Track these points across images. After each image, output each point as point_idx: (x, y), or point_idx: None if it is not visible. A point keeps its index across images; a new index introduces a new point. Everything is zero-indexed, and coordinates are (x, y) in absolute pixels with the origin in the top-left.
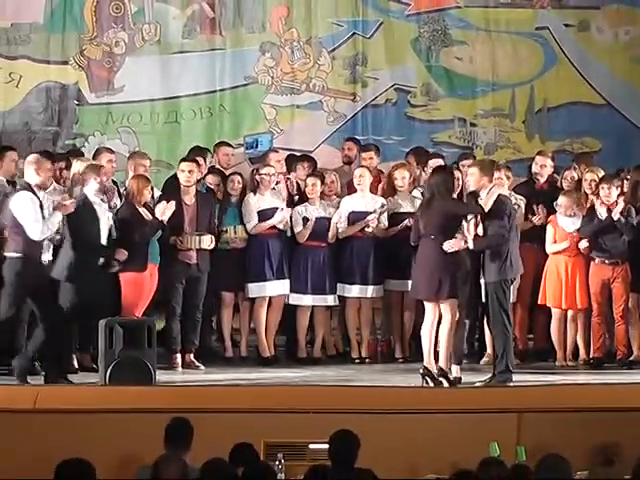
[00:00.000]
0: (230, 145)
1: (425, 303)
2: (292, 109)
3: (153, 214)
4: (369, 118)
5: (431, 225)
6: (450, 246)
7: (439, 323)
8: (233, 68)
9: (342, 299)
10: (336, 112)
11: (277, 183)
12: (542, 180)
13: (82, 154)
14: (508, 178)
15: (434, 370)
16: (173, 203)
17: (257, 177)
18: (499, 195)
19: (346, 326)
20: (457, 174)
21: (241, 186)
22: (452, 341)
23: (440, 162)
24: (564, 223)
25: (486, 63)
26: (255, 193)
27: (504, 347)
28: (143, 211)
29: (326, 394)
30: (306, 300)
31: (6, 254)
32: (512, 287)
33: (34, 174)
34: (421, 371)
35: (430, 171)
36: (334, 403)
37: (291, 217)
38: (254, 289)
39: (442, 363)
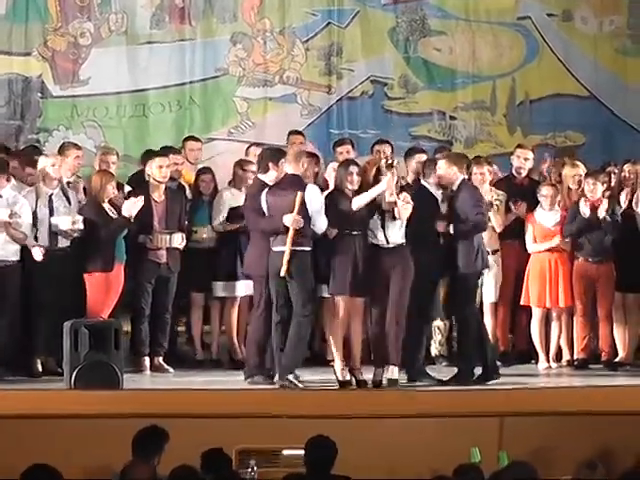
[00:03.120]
0: (198, 139)
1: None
2: (265, 102)
3: (119, 211)
4: (344, 111)
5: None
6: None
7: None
8: (203, 59)
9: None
10: (310, 105)
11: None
12: (523, 174)
13: (40, 152)
14: (490, 173)
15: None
16: (141, 199)
17: (240, 172)
18: (470, 185)
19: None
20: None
21: (213, 184)
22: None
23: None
24: (543, 218)
25: (466, 54)
26: (233, 189)
27: (466, 343)
28: (108, 208)
29: (301, 398)
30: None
31: None
32: (494, 286)
33: None
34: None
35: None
36: (310, 407)
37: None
38: (223, 288)
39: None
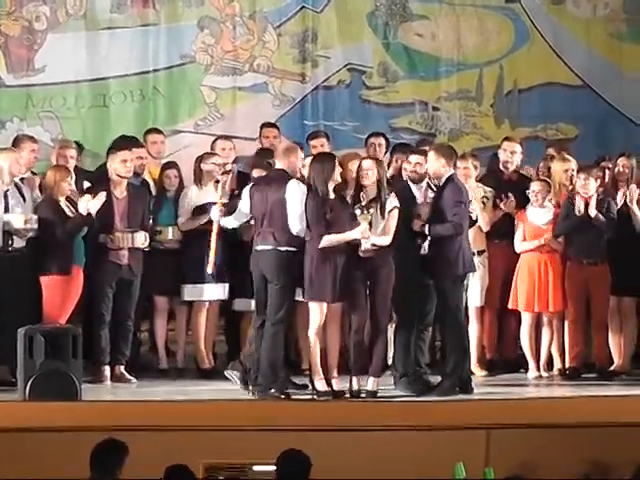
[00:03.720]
0: (160, 132)
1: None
2: (234, 92)
3: (77, 208)
4: (320, 101)
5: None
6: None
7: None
8: (168, 46)
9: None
10: (283, 95)
11: (225, 173)
12: (511, 169)
13: None
14: (475, 168)
15: (317, 380)
16: (103, 194)
17: (202, 167)
18: (457, 182)
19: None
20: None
21: (178, 180)
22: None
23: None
24: (534, 216)
25: (450, 40)
26: (197, 186)
27: (450, 352)
28: (65, 205)
29: (273, 409)
30: (253, 305)
31: None
32: (480, 289)
33: None
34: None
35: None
36: (282, 419)
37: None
38: (190, 291)
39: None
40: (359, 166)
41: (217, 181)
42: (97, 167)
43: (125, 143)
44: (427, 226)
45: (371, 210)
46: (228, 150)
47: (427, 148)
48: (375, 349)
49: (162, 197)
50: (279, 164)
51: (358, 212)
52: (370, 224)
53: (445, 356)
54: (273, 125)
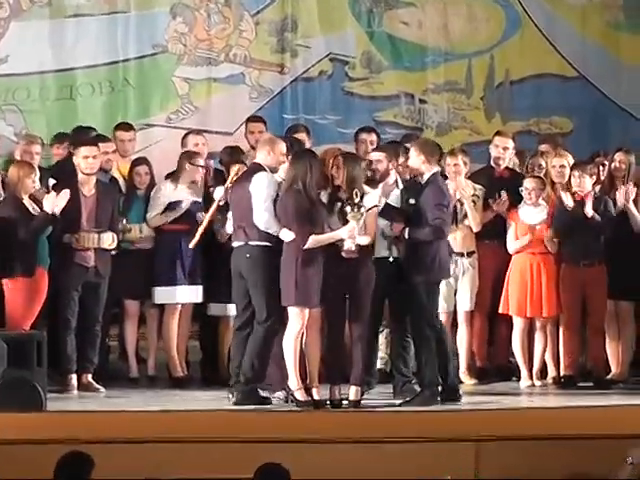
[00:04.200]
0: (129, 128)
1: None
2: (208, 83)
3: (42, 207)
4: (300, 94)
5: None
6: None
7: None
8: (138, 35)
9: None
10: (261, 87)
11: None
12: (503, 165)
13: None
14: (465, 164)
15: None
16: (67, 192)
17: (187, 167)
18: (439, 183)
19: None
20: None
21: (149, 177)
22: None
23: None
24: (527, 215)
25: (437, 28)
26: (172, 182)
27: (426, 360)
28: (29, 204)
29: (250, 420)
30: (231, 309)
31: None
32: (470, 292)
33: None
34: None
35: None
36: (260, 431)
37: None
38: (162, 294)
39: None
40: (335, 162)
41: (194, 182)
42: (59, 162)
43: (87, 137)
44: (407, 230)
45: (362, 209)
46: (201, 145)
47: (409, 144)
48: (354, 355)
49: (132, 195)
50: (258, 157)
51: (348, 210)
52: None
53: (420, 365)
54: (259, 119)
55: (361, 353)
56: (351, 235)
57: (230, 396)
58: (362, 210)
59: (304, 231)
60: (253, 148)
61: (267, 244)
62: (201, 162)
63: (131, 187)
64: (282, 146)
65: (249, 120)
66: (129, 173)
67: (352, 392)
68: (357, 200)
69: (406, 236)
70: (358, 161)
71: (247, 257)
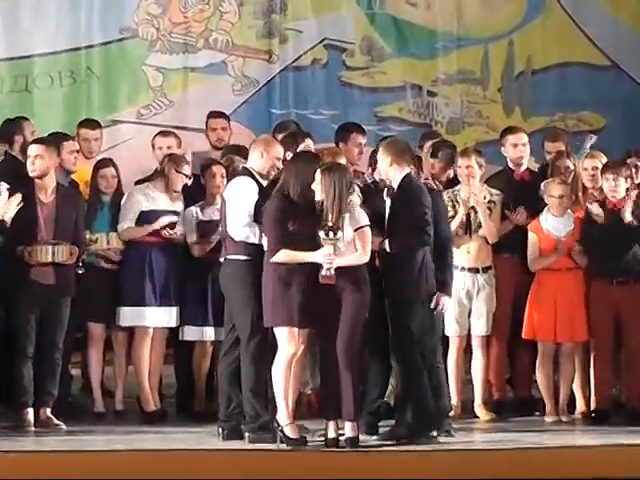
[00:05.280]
0: (95, 125)
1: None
2: (185, 73)
3: None
4: (290, 85)
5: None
6: None
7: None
8: (104, 17)
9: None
10: (245, 77)
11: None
12: (522, 168)
13: None
14: (480, 166)
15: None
16: (18, 197)
17: (172, 174)
18: (413, 183)
19: None
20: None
21: (116, 181)
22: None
23: None
24: (551, 226)
25: (449, 10)
26: (149, 188)
27: (408, 388)
28: None
29: (231, 461)
30: (207, 334)
31: None
32: (486, 314)
33: None
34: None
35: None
36: (242, 473)
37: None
38: (130, 315)
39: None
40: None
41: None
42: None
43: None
44: (387, 242)
45: (338, 234)
46: (166, 149)
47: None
48: (343, 386)
49: (97, 201)
50: (249, 160)
51: (322, 234)
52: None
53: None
54: (221, 115)
55: (350, 383)
56: (328, 260)
57: (220, 431)
58: (339, 235)
59: (276, 242)
60: (216, 149)
61: (246, 258)
62: (187, 170)
63: (96, 192)
64: (278, 149)
65: (210, 116)
66: (92, 176)
67: (348, 429)
68: (331, 223)
69: (387, 249)
70: (342, 173)
71: (226, 272)
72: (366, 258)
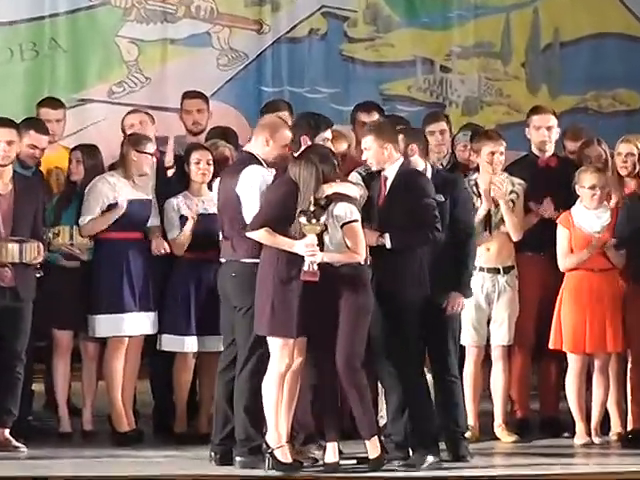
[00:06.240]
0: (57, 105)
1: None
2: (164, 46)
3: None
4: (283, 59)
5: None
6: None
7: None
8: None
9: None
10: (232, 50)
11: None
12: (550, 152)
13: None
14: (500, 153)
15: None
16: None
17: (133, 155)
18: (412, 170)
19: None
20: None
21: (82, 167)
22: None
23: None
24: (584, 219)
25: None
26: (112, 176)
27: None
28: None
29: None
30: (189, 344)
31: None
32: (507, 321)
33: None
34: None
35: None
36: None
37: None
38: (104, 324)
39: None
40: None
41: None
42: None
43: None
44: (387, 237)
45: (322, 219)
46: (139, 125)
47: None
48: (353, 405)
49: (70, 191)
50: (253, 145)
51: (303, 220)
52: (320, 238)
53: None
54: (197, 95)
55: (359, 401)
56: (310, 252)
57: (212, 455)
58: (322, 220)
59: (267, 221)
60: (192, 134)
61: (258, 260)
62: (151, 148)
63: (68, 180)
64: (286, 135)
65: (185, 96)
66: (69, 163)
67: (369, 448)
68: (313, 208)
69: (387, 245)
70: (325, 157)
71: (233, 276)
72: (359, 257)
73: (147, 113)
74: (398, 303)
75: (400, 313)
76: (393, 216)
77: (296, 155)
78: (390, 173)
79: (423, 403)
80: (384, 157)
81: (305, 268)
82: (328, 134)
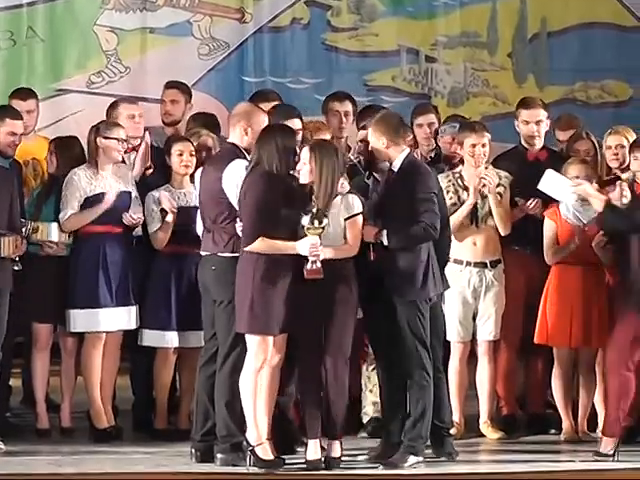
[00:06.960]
0: (27, 95)
1: None
2: (143, 35)
3: None
4: (265, 49)
5: None
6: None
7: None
8: None
9: None
10: (213, 39)
11: (131, 151)
12: (538, 145)
13: None
14: (484, 145)
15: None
16: None
17: (100, 143)
18: (416, 165)
19: None
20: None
21: (55, 159)
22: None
23: None
24: (571, 212)
25: None
26: (88, 169)
27: (423, 404)
28: None
29: None
30: (169, 339)
31: None
32: (493, 315)
33: None
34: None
35: None
36: None
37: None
38: (80, 319)
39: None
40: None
41: (122, 161)
42: None
43: None
44: (384, 234)
45: (324, 222)
46: (138, 118)
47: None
48: (332, 401)
49: (51, 185)
50: (231, 136)
51: (305, 221)
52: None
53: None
54: (173, 85)
55: (342, 397)
56: (313, 252)
57: (192, 452)
58: (325, 222)
59: (260, 229)
60: (165, 124)
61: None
62: (121, 134)
63: (50, 174)
64: (263, 120)
65: (164, 86)
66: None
67: (333, 448)
68: (316, 210)
69: (385, 242)
70: (332, 152)
71: (212, 269)
72: (355, 251)
73: (137, 105)
74: (391, 300)
75: (394, 310)
76: (394, 212)
77: (311, 147)
78: (395, 167)
79: (429, 400)
80: (389, 151)
81: (308, 267)
82: (297, 124)
